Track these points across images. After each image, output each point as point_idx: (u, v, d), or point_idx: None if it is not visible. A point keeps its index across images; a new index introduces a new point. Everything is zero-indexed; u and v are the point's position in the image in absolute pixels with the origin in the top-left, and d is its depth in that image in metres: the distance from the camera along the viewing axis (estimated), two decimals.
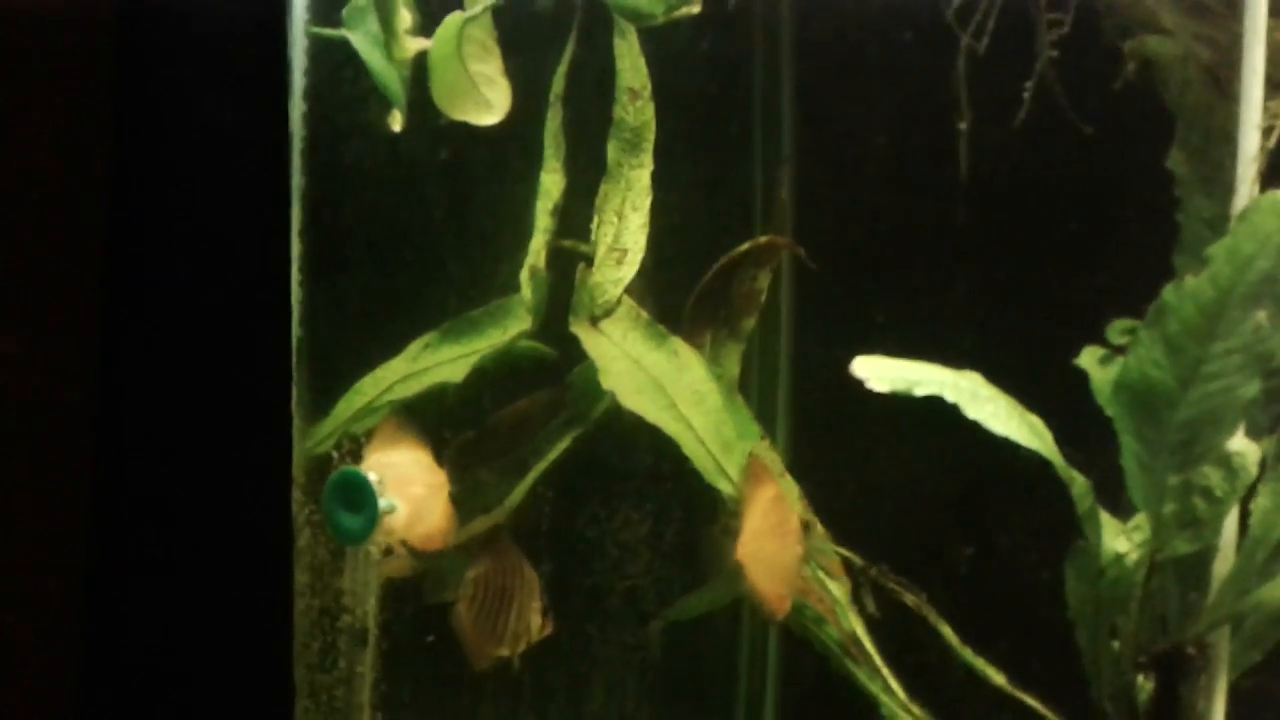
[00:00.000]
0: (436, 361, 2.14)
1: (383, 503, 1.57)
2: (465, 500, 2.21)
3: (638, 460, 2.30)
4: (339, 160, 1.74)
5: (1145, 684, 1.25)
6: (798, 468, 1.94)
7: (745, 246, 2.12)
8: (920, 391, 1.23)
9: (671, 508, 2.26)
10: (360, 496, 1.58)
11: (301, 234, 1.41)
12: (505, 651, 1.63)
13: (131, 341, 1.31)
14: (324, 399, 1.83)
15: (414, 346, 2.12)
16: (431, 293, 2.09)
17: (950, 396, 1.22)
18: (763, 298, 2.15)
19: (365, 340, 1.96)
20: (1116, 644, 1.25)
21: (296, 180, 1.41)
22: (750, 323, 2.18)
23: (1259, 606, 1.18)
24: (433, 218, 2.10)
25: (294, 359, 1.40)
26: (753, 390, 2.26)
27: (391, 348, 1.99)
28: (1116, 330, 1.27)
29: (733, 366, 2.14)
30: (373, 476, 1.57)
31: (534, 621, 1.62)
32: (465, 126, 1.91)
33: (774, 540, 1.65)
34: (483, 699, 2.26)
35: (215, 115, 1.35)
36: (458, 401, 2.13)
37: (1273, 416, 1.19)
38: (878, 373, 1.25)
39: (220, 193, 1.36)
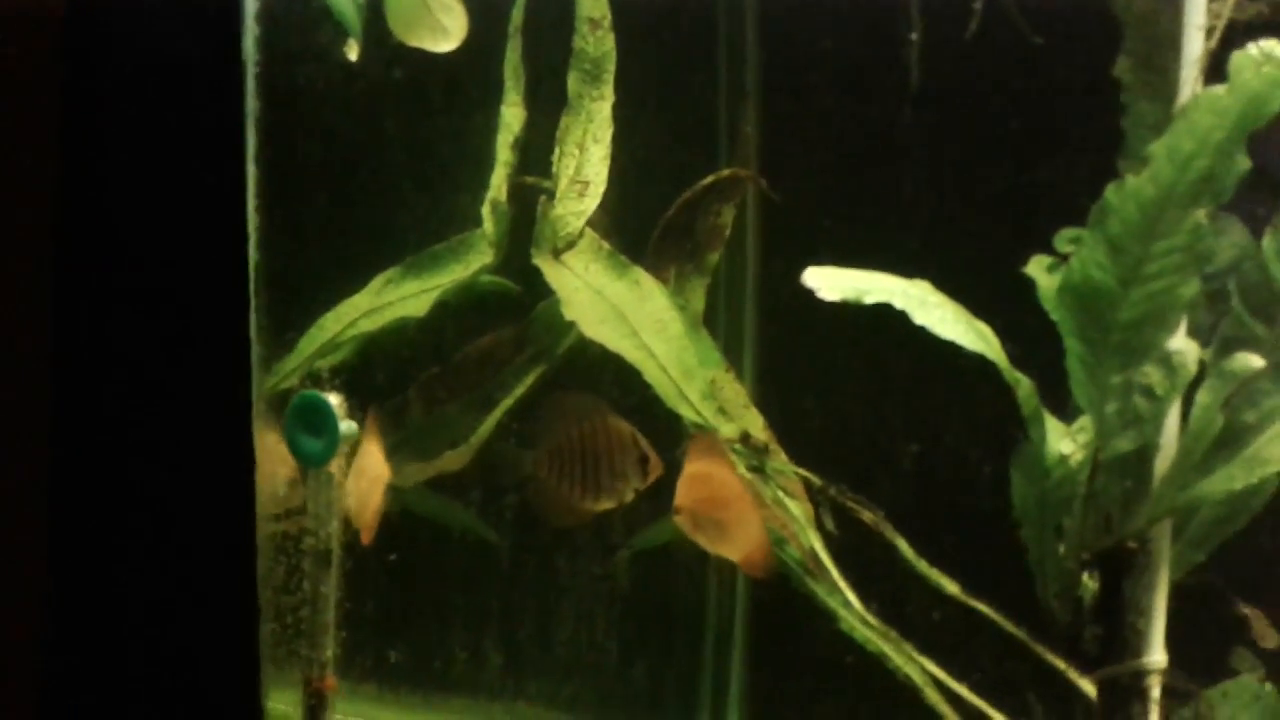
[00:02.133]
0: (399, 296, 2.14)
1: (343, 425, 1.58)
2: (432, 434, 2.22)
3: (603, 394, 2.31)
4: (294, 85, 1.73)
5: (1090, 583, 1.28)
6: (763, 398, 1.96)
7: (708, 180, 2.13)
8: (870, 299, 1.24)
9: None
10: (321, 420, 1.59)
11: (256, 159, 1.41)
12: (608, 505, 1.63)
13: (88, 269, 1.30)
14: (284, 327, 1.83)
15: (376, 281, 2.12)
16: (393, 223, 2.09)
17: (899, 303, 1.24)
18: (727, 232, 2.16)
19: (325, 269, 1.96)
20: (1062, 546, 1.28)
21: (250, 105, 1.40)
22: (715, 257, 2.18)
23: (1198, 500, 1.21)
24: (391, 148, 2.10)
25: (251, 284, 1.39)
26: (719, 324, 2.27)
27: (353, 278, 1.99)
28: (1064, 239, 1.28)
29: (697, 300, 2.15)
30: (334, 399, 1.58)
31: (633, 475, 1.60)
32: (423, 54, 1.90)
33: (713, 509, 1.66)
34: (450, 625, 2.29)
35: (167, 40, 1.34)
36: (423, 337, 2.14)
37: (1214, 316, 1.21)
38: (828, 282, 1.26)
39: (174, 118, 1.35)
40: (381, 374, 2.13)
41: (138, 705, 1.30)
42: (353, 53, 1.90)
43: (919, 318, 1.22)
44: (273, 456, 1.66)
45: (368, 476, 1.71)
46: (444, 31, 1.86)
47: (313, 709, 1.59)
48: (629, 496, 1.58)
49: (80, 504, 1.30)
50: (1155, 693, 1.23)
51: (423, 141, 2.11)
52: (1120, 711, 1.24)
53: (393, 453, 2.05)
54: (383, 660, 2.09)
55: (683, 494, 1.60)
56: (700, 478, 1.61)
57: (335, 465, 1.62)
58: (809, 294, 2.11)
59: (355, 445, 1.65)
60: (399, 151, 2.11)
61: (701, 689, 2.74)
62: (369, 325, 2.11)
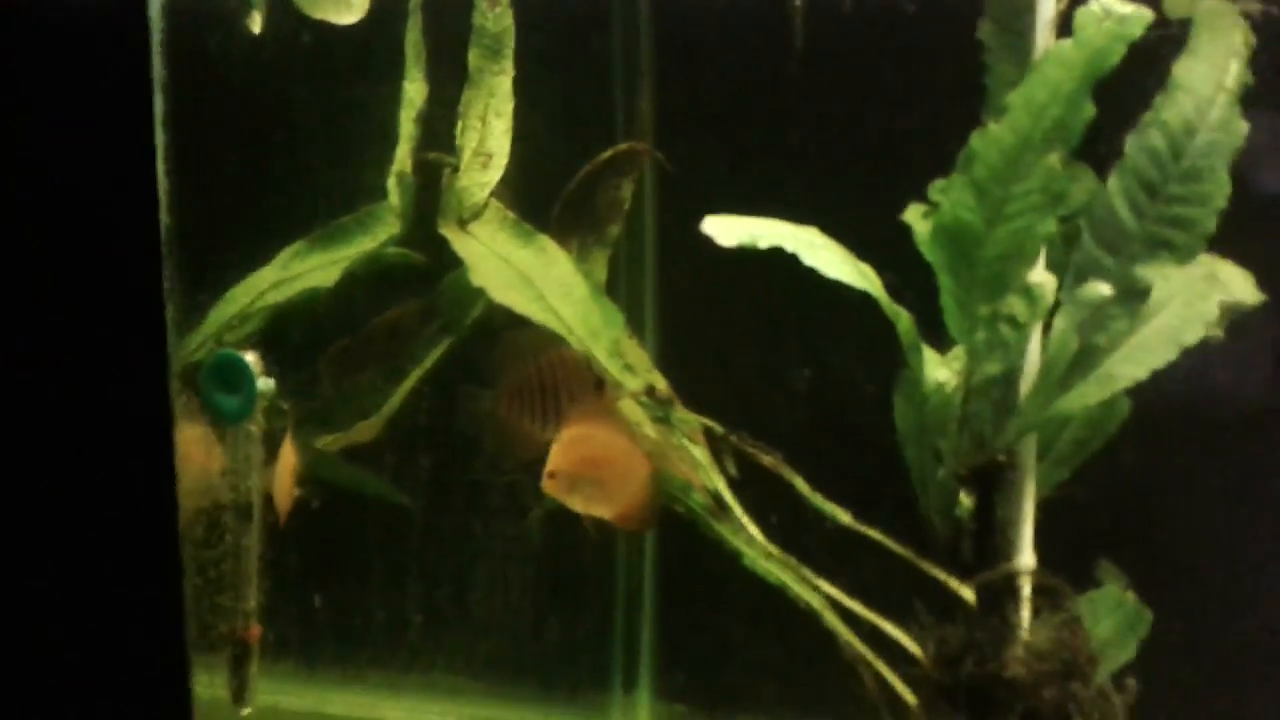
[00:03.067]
0: (307, 268, 2.18)
1: (260, 381, 1.62)
2: (345, 405, 2.26)
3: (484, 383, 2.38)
4: (201, 51, 1.76)
5: (965, 500, 1.40)
6: (663, 359, 2.06)
7: (607, 154, 2.21)
8: (763, 244, 1.34)
9: None
10: (238, 377, 1.63)
11: (164, 124, 1.44)
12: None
13: None
14: (195, 291, 1.86)
15: (284, 254, 2.16)
16: (302, 191, 2.12)
17: (790, 247, 1.34)
18: (626, 205, 2.24)
19: (237, 232, 1.99)
20: (940, 467, 1.40)
21: (157, 70, 1.43)
22: (615, 229, 2.26)
23: (1058, 415, 1.34)
24: (298, 118, 2.13)
25: (163, 247, 1.43)
26: (620, 291, 2.36)
27: (265, 243, 2.02)
28: (936, 188, 1.40)
29: (599, 271, 2.23)
30: (249, 356, 1.62)
31: (589, 399, 1.64)
32: (329, 26, 1.94)
33: (594, 469, 1.71)
34: (369, 586, 2.34)
35: (73, 3, 1.36)
36: (332, 309, 2.17)
37: (1065, 253, 1.34)
38: (725, 229, 1.36)
39: (81, 83, 1.37)
40: (290, 347, 2.17)
41: (60, 670, 1.32)
42: (255, 25, 1.93)
43: (808, 259, 1.32)
44: (187, 436, 1.70)
45: (283, 464, 1.79)
46: (347, 5, 1.91)
47: (238, 658, 1.63)
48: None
49: None
50: (1025, 591, 1.36)
51: (329, 112, 2.16)
52: (996, 611, 1.36)
53: (304, 424, 2.10)
54: (307, 623, 2.13)
55: (558, 458, 1.64)
56: (579, 440, 1.67)
57: (254, 423, 1.66)
58: (706, 259, 2.23)
59: (271, 403, 1.70)
60: (306, 121, 2.15)
61: (614, 645, 2.83)
62: (277, 297, 2.14)
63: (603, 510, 1.73)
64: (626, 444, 1.75)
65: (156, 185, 1.46)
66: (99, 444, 1.39)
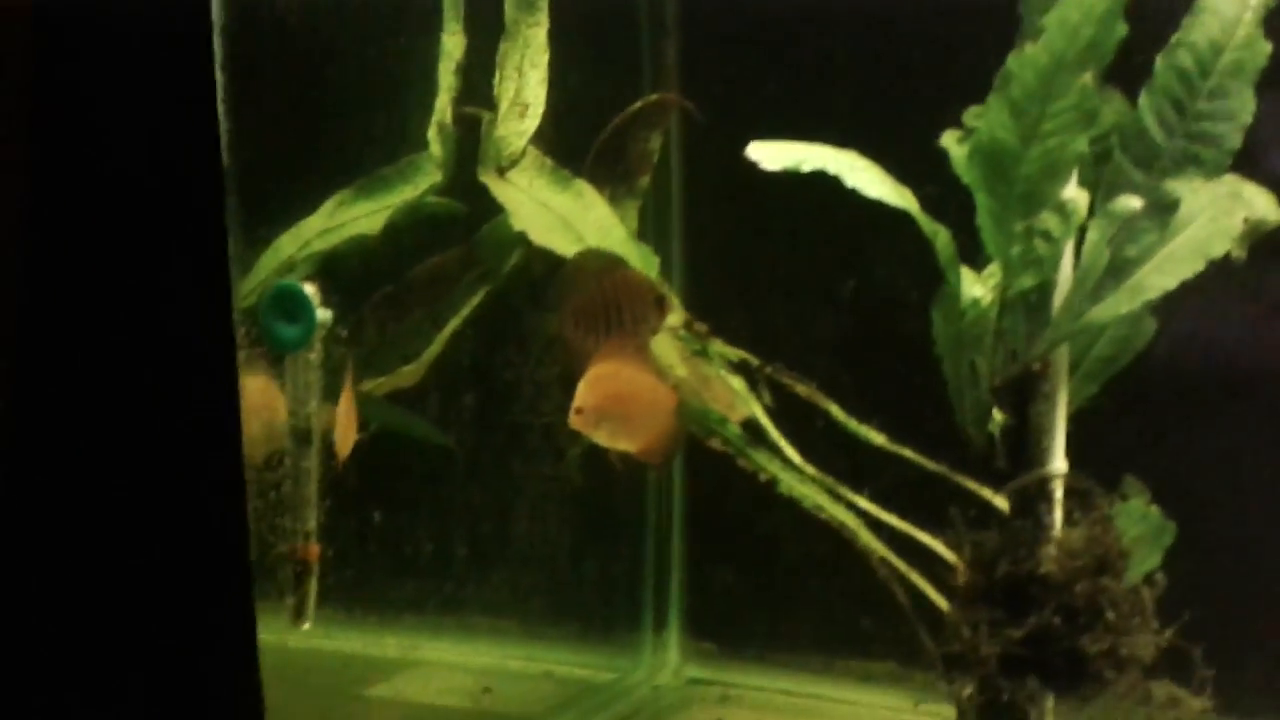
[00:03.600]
0: (352, 216, 2.25)
1: (319, 312, 1.69)
2: (389, 350, 2.33)
3: (549, 308, 2.45)
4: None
5: (998, 415, 1.47)
6: (693, 300, 2.13)
7: (636, 105, 2.27)
8: (807, 167, 1.40)
9: None
10: (297, 308, 1.70)
11: (223, 67, 1.51)
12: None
13: (62, 178, 1.36)
14: (253, 231, 1.94)
15: (329, 204, 2.23)
16: (351, 138, 2.19)
17: (832, 169, 1.40)
18: (655, 157, 2.30)
19: (293, 175, 2.06)
20: (976, 379, 1.46)
21: (217, 15, 1.50)
22: (645, 180, 2.32)
23: (1091, 325, 1.40)
24: (348, 67, 2.20)
25: (226, 186, 1.49)
26: (649, 234, 2.42)
27: (313, 194, 2.09)
28: (971, 114, 1.46)
29: (630, 220, 2.29)
30: (309, 288, 1.69)
31: (652, 317, 1.66)
32: None
33: (620, 404, 1.74)
34: (419, 516, 2.42)
35: None
36: (378, 257, 2.24)
37: (1096, 171, 1.41)
38: (770, 155, 1.42)
39: (145, 29, 1.42)
40: (338, 294, 2.24)
41: (130, 591, 1.37)
42: None
43: (849, 180, 1.39)
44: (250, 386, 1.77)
45: (344, 407, 1.86)
46: None
47: (298, 575, 1.71)
48: (650, 338, 1.68)
49: (46, 400, 1.33)
50: (1059, 494, 1.43)
51: (378, 62, 2.22)
52: (1030, 515, 1.43)
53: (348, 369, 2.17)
54: (352, 566, 2.19)
55: (585, 395, 1.69)
56: (605, 377, 1.72)
57: (313, 351, 1.73)
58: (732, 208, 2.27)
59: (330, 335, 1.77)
60: (355, 71, 2.22)
61: (645, 586, 2.92)
62: (323, 245, 2.21)
63: (627, 444, 1.79)
64: (651, 380, 1.81)
65: (218, 126, 1.51)
66: (167, 375, 1.42)
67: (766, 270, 2.38)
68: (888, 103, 1.85)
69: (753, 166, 1.48)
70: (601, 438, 1.79)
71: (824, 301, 2.05)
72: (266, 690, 1.29)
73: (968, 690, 1.31)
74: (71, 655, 1.24)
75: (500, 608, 2.74)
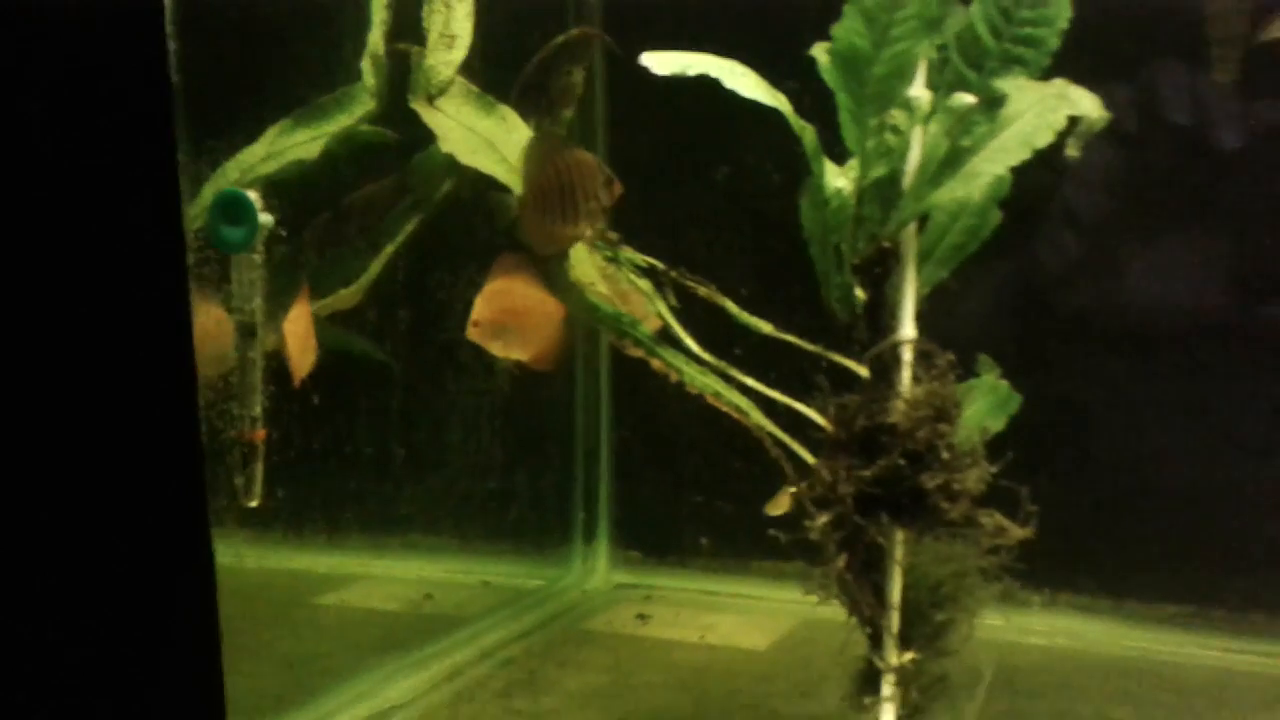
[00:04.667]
0: (292, 143, 2.40)
1: (261, 216, 1.86)
2: (327, 274, 2.50)
3: (477, 232, 2.63)
4: None
5: (860, 292, 1.67)
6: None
7: (559, 39, 2.44)
8: (692, 71, 1.59)
9: None
10: (241, 211, 1.86)
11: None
12: (583, 230, 1.81)
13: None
14: (197, 157, 2.09)
15: (270, 131, 2.38)
16: (289, 72, 2.35)
17: (714, 73, 1.59)
18: (579, 90, 2.48)
19: (233, 108, 2.21)
20: (839, 262, 1.67)
21: None
22: (569, 113, 2.49)
23: (933, 206, 1.61)
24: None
25: (174, 101, 1.63)
26: None
27: (254, 123, 2.25)
28: (835, 28, 1.65)
29: None
30: (252, 194, 1.85)
31: (601, 195, 1.79)
32: None
33: (514, 318, 1.93)
34: (356, 424, 2.59)
35: None
36: (318, 183, 2.40)
37: (940, 73, 1.60)
38: (660, 61, 1.60)
39: None
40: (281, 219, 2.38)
41: (83, 476, 1.42)
42: None
43: (728, 83, 1.58)
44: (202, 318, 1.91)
45: (300, 324, 2.00)
46: None
47: (245, 456, 1.88)
48: (600, 217, 1.83)
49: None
50: (908, 357, 1.63)
51: None
52: (883, 378, 1.64)
53: (288, 290, 2.33)
54: (295, 491, 2.33)
55: (481, 308, 1.88)
56: (500, 292, 1.91)
57: (256, 252, 1.90)
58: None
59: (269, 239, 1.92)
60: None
61: (575, 501, 3.12)
62: (265, 170, 2.37)
63: (520, 353, 1.97)
64: (540, 295, 1.99)
65: (166, 44, 1.64)
66: (122, 286, 1.49)
67: (680, 194, 2.57)
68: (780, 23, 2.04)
69: (662, 91, 1.66)
70: (497, 349, 1.97)
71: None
72: (222, 603, 1.31)
73: (822, 519, 1.51)
74: (26, 560, 1.22)
75: (439, 525, 2.93)
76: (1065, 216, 2.70)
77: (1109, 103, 1.62)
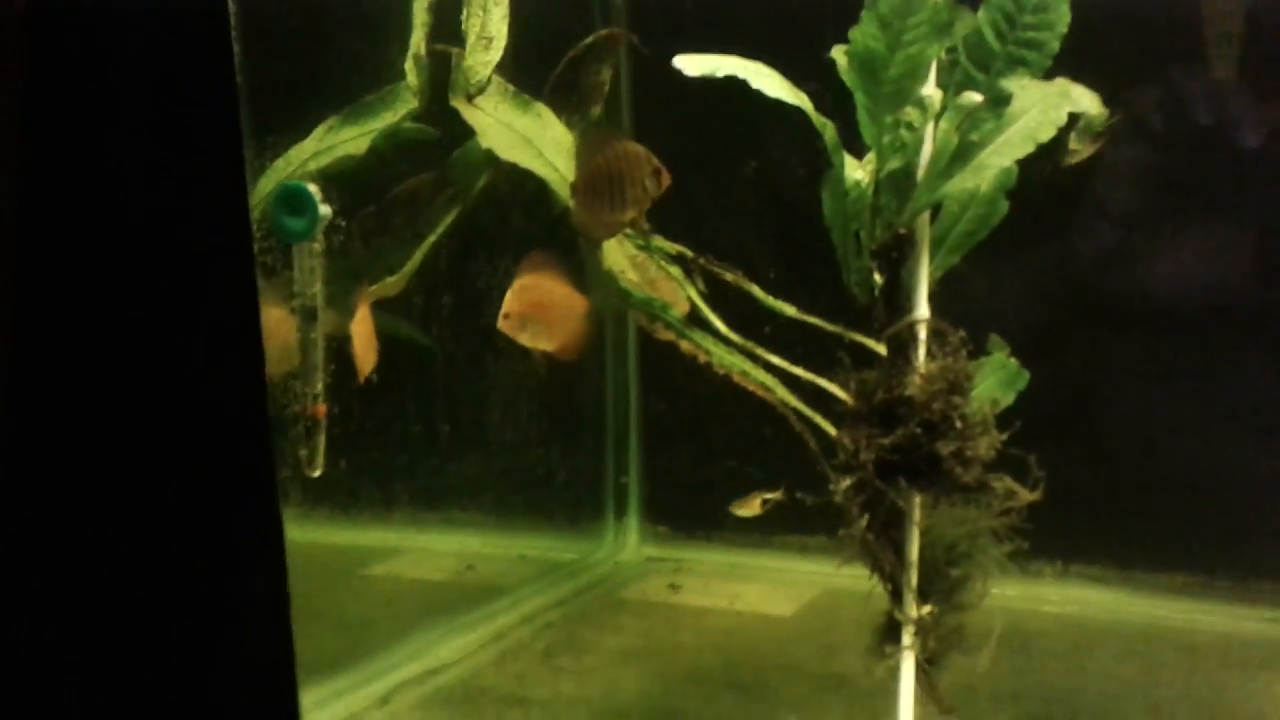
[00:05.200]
0: (340, 140, 2.56)
1: (321, 208, 2.01)
2: (374, 263, 2.65)
3: (513, 223, 2.78)
4: None
5: (878, 276, 1.81)
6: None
7: (588, 40, 2.58)
8: (721, 73, 1.72)
9: None
10: (302, 203, 2.02)
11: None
12: (631, 217, 1.89)
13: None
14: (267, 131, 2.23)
15: (319, 129, 2.53)
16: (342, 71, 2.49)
17: (740, 74, 1.72)
18: (606, 88, 2.62)
19: (289, 106, 2.36)
20: (858, 248, 1.80)
21: None
22: (597, 110, 2.63)
23: (945, 196, 1.74)
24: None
25: (239, 101, 1.76)
26: None
27: (309, 121, 2.40)
28: (853, 31, 1.78)
29: None
30: (312, 186, 2.00)
31: (649, 185, 1.86)
32: None
33: (540, 311, 2.04)
34: (405, 398, 2.75)
35: None
36: (365, 177, 2.55)
37: (950, 74, 1.74)
38: (690, 63, 1.74)
39: None
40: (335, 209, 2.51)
41: (156, 447, 1.52)
42: None
43: (754, 83, 1.72)
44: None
45: (363, 325, 2.15)
46: None
47: (308, 429, 2.03)
48: (648, 204, 1.91)
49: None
50: (922, 335, 1.77)
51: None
52: (900, 355, 1.78)
53: (339, 278, 2.48)
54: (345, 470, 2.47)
55: (511, 302, 2.01)
56: (529, 287, 2.05)
57: (317, 241, 2.05)
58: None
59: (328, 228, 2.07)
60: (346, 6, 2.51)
61: (607, 478, 3.27)
62: (316, 165, 2.52)
63: (546, 344, 2.13)
64: (566, 290, 2.15)
65: (231, 48, 1.77)
66: (192, 279, 1.56)
67: (705, 186, 2.70)
68: (801, 27, 2.18)
69: (687, 89, 1.79)
70: (525, 339, 2.13)
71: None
72: None
73: (845, 484, 1.66)
74: (100, 542, 1.24)
75: (478, 500, 3.08)
76: (1097, 208, 2.84)
77: (1138, 104, 1.75)
